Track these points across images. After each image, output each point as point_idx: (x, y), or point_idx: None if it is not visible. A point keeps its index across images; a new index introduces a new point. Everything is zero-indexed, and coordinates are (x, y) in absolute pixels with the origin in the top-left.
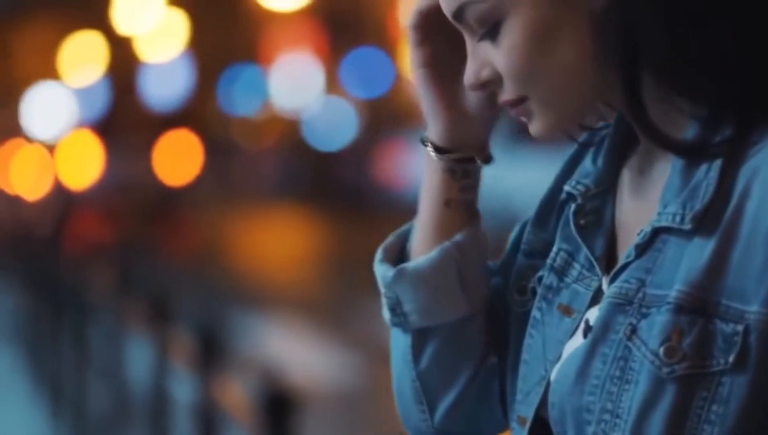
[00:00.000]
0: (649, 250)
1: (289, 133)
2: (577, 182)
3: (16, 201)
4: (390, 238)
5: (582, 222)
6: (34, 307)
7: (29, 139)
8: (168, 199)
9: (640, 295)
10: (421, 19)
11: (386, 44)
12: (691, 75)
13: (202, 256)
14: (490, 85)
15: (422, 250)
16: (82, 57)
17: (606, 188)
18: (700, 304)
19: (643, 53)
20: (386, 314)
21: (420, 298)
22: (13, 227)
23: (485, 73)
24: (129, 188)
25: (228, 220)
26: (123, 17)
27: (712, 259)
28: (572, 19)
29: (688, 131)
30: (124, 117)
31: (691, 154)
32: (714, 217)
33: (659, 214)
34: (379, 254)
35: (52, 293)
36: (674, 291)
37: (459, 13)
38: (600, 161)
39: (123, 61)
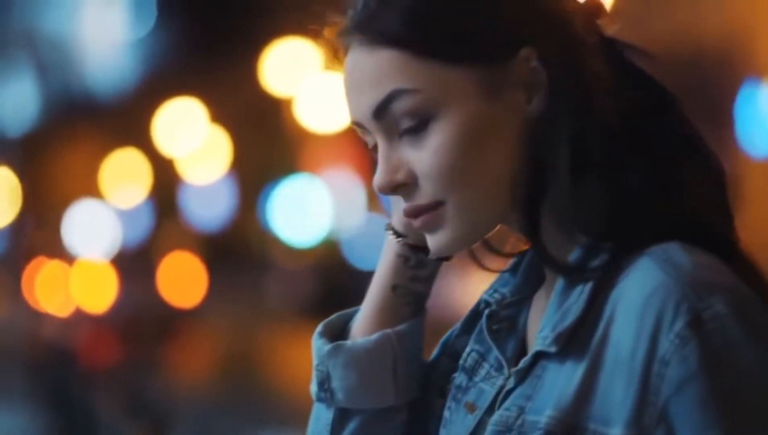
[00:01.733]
0: (529, 376)
1: (328, 250)
2: (495, 290)
3: (42, 318)
4: (334, 316)
5: (494, 327)
6: (47, 426)
7: (70, 258)
8: (177, 319)
9: (519, 421)
10: None
11: None
12: (584, 208)
13: (220, 375)
14: (402, 189)
15: (362, 332)
16: (123, 175)
17: (522, 298)
18: (569, 430)
19: (554, 171)
20: (313, 388)
21: (350, 377)
22: (34, 344)
23: (400, 176)
24: (143, 309)
25: (254, 339)
26: (165, 137)
27: (581, 385)
28: (506, 121)
29: (572, 255)
30: (166, 238)
31: (569, 274)
32: (583, 341)
33: (536, 337)
34: (319, 327)
35: (63, 413)
36: (545, 417)
37: (384, 105)
38: (519, 273)
39: (165, 180)
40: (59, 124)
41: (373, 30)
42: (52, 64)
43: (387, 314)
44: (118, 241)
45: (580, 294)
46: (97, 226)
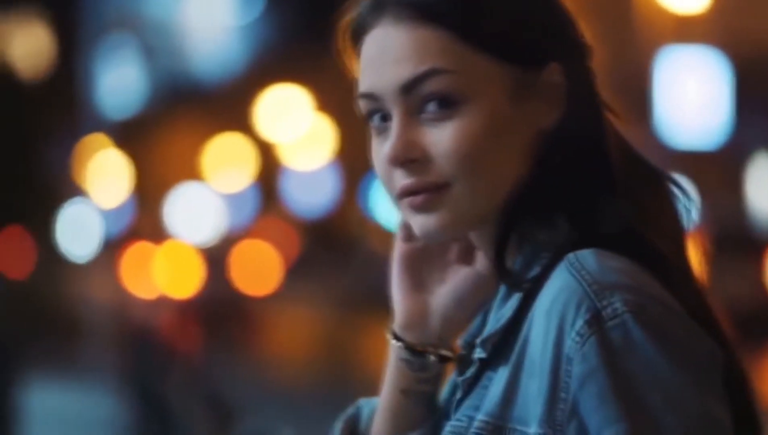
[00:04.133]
0: (477, 386)
1: None
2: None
3: (133, 300)
4: (351, 409)
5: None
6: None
7: (170, 242)
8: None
9: (472, 430)
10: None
11: None
12: (557, 225)
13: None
14: (412, 165)
15: (377, 434)
16: (227, 160)
17: (487, 309)
18: (496, 432)
19: (553, 183)
20: None
21: None
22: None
23: (416, 153)
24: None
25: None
26: (267, 123)
27: (506, 388)
28: (522, 127)
29: (515, 262)
30: (268, 223)
31: (509, 282)
32: (511, 347)
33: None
34: (339, 423)
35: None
36: (476, 421)
37: (418, 81)
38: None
39: (268, 166)
40: (164, 108)
41: (422, 6)
42: (158, 48)
43: (401, 419)
44: (222, 225)
45: (513, 301)
46: (199, 210)
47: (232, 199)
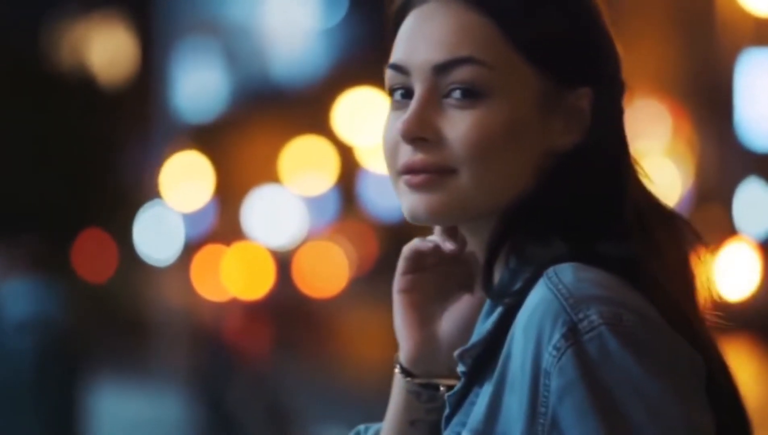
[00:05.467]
0: (464, 403)
1: None
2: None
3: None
4: None
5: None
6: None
7: (247, 244)
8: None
9: None
10: (415, 254)
11: None
12: (550, 243)
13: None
14: (422, 143)
15: None
16: (306, 162)
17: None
18: None
19: (551, 201)
20: None
21: None
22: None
23: (429, 132)
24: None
25: None
26: (346, 126)
27: (489, 404)
28: (539, 139)
29: (502, 276)
30: (346, 226)
31: (492, 296)
32: (494, 363)
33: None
34: None
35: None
36: None
37: (452, 65)
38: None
39: (347, 168)
40: (244, 111)
41: None
42: (238, 52)
43: None
44: (302, 228)
45: (495, 315)
46: (278, 213)
47: (312, 202)
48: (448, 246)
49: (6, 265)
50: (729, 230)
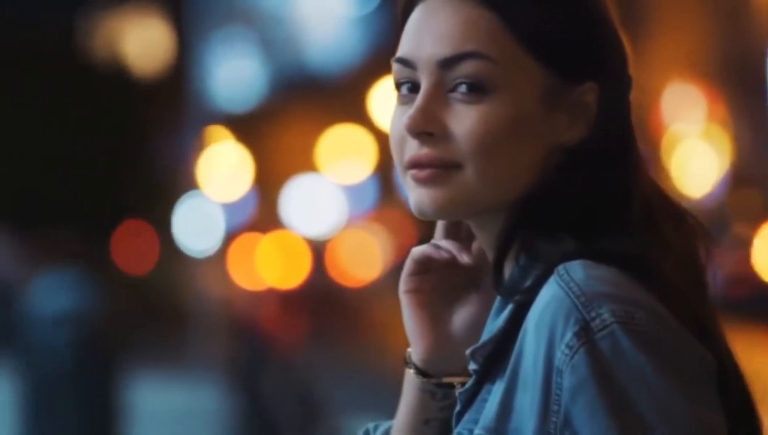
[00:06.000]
0: (476, 400)
1: None
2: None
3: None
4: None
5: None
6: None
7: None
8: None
9: None
10: (425, 259)
11: None
12: (559, 240)
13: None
14: (427, 138)
15: None
16: (344, 151)
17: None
18: None
19: (555, 198)
20: None
21: None
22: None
23: (435, 127)
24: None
25: None
26: (384, 113)
27: (502, 401)
28: (542, 134)
29: (512, 273)
30: (385, 214)
31: (502, 293)
32: (506, 360)
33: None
34: None
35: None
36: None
37: (457, 59)
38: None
39: (384, 156)
40: (281, 100)
41: None
42: (274, 41)
43: None
44: (341, 216)
45: (507, 313)
46: (317, 202)
47: (350, 190)
48: (465, 259)
49: (42, 259)
50: (766, 213)
